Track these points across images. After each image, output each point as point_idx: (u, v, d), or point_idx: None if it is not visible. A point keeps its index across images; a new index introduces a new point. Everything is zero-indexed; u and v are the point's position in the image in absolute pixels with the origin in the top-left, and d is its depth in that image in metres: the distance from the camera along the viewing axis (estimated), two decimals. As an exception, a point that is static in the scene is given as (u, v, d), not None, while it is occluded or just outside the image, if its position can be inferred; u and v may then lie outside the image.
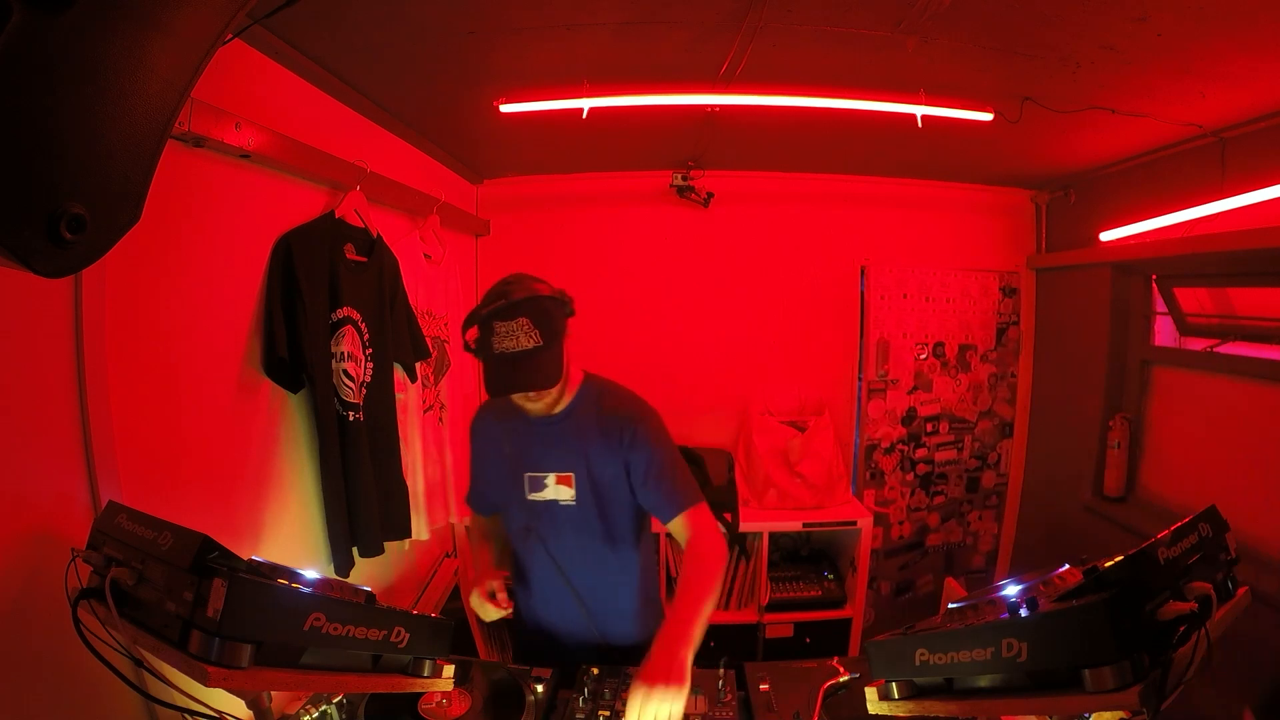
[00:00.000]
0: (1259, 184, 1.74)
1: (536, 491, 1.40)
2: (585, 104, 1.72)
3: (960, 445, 3.05)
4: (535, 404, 1.33)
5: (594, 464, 1.38)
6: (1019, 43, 1.43)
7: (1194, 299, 2.26)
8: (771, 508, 2.57)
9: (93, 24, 0.47)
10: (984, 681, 0.78)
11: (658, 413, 1.44)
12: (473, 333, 1.32)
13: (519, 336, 1.22)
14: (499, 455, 1.44)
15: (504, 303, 1.24)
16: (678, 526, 1.35)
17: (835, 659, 1.33)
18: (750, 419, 2.75)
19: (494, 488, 1.49)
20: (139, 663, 0.74)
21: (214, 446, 1.26)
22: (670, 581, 2.42)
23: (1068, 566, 0.87)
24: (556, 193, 2.82)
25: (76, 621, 0.73)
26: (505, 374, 1.24)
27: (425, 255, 2.04)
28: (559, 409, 1.38)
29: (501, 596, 1.36)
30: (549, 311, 1.26)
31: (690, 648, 1.12)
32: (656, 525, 1.48)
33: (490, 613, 1.36)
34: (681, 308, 2.88)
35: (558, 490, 1.38)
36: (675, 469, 1.39)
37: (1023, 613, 0.74)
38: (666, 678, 1.04)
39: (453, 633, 1.02)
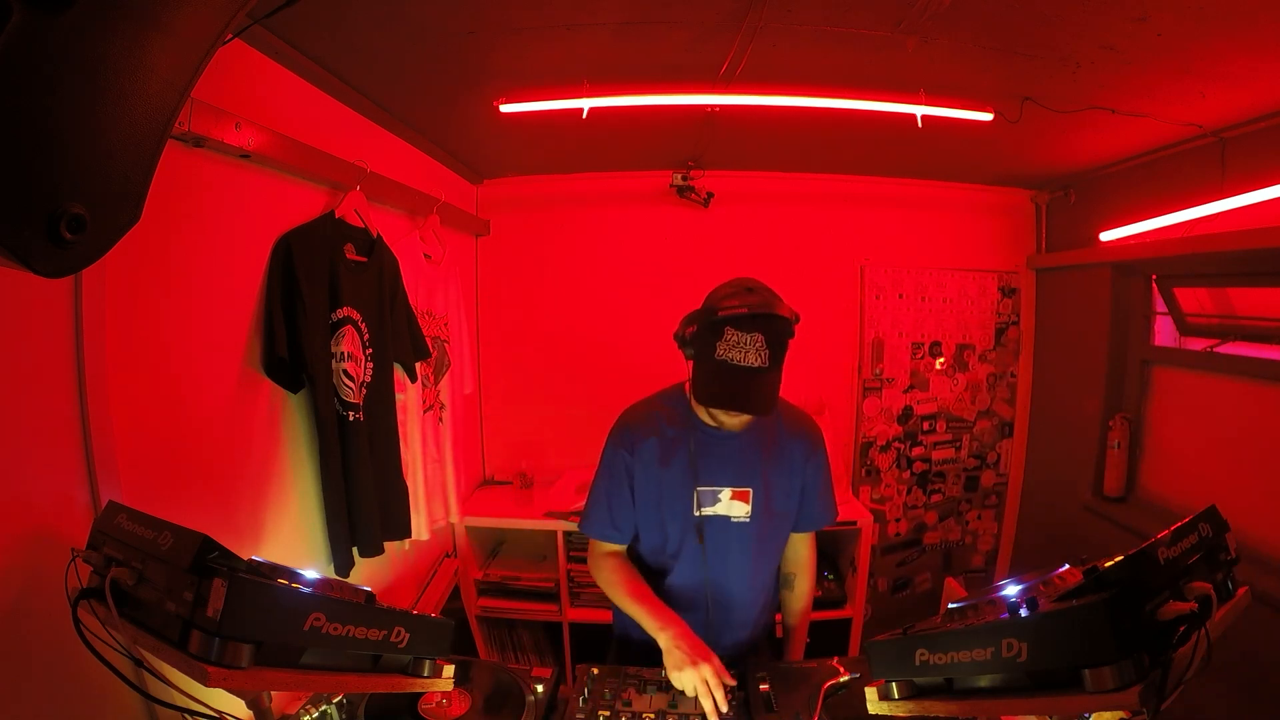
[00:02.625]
0: (1259, 184, 1.74)
1: (707, 506, 1.35)
2: (585, 104, 1.72)
3: (958, 444, 3.05)
4: (735, 420, 1.27)
5: (772, 480, 1.36)
6: (1019, 43, 1.43)
7: (1194, 299, 2.26)
8: (771, 508, 2.57)
9: (93, 24, 0.47)
10: (984, 681, 0.78)
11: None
12: (691, 328, 1.25)
13: (749, 352, 1.15)
14: (664, 467, 1.35)
15: (746, 312, 1.16)
16: (808, 536, 1.51)
17: (835, 659, 1.33)
18: (750, 419, 2.75)
19: (650, 501, 1.37)
20: (139, 663, 0.74)
21: (214, 446, 1.26)
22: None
23: (1068, 566, 0.87)
24: (556, 193, 2.82)
25: (76, 621, 0.73)
26: (724, 386, 1.17)
27: (425, 255, 2.04)
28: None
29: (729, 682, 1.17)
30: (784, 334, 1.19)
31: None
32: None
33: (716, 700, 1.13)
34: (681, 308, 2.86)
35: (731, 506, 1.34)
36: (832, 484, 1.49)
37: (1023, 613, 0.74)
38: None
39: (453, 633, 1.02)
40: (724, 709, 1.13)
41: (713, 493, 1.35)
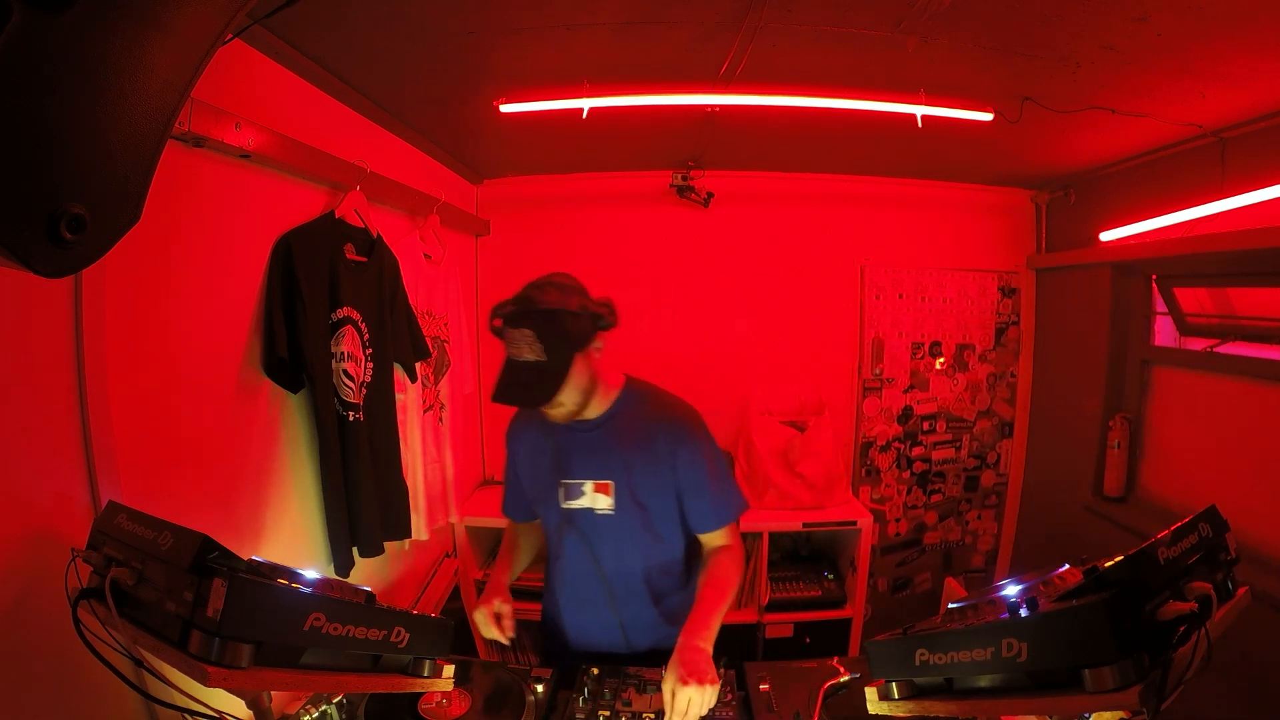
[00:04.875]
0: (1259, 184, 1.74)
1: (572, 499, 1.36)
2: (585, 104, 1.72)
3: (958, 444, 3.05)
4: (553, 411, 1.29)
5: (637, 472, 1.34)
6: (1019, 43, 1.43)
7: (1194, 299, 2.26)
8: (771, 508, 2.57)
9: (93, 24, 0.47)
10: (984, 681, 0.78)
11: (702, 417, 1.40)
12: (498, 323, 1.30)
13: (522, 347, 1.20)
14: (536, 461, 1.41)
15: (512, 309, 1.22)
16: (713, 537, 1.40)
17: (835, 659, 1.33)
18: (750, 419, 2.75)
19: (530, 494, 1.46)
20: (139, 663, 0.74)
21: (214, 446, 1.25)
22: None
23: (1068, 566, 0.87)
24: (556, 193, 2.82)
25: (76, 621, 0.73)
26: (504, 381, 1.23)
27: (425, 255, 2.04)
28: (596, 415, 1.35)
29: (508, 623, 1.34)
30: (561, 326, 1.21)
31: (711, 644, 1.20)
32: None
33: (490, 632, 1.34)
34: (681, 308, 2.88)
35: (594, 498, 1.36)
36: (724, 479, 1.40)
37: (1023, 613, 0.74)
38: (699, 674, 1.11)
39: (453, 633, 1.02)
40: (503, 640, 1.34)
41: (577, 486, 1.36)
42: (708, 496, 1.36)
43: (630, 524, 1.35)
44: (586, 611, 1.43)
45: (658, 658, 1.34)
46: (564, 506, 1.37)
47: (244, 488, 1.34)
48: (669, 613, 1.41)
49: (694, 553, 1.45)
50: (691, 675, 1.10)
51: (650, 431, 1.34)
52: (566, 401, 1.26)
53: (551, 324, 1.20)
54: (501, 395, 1.24)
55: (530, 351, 1.20)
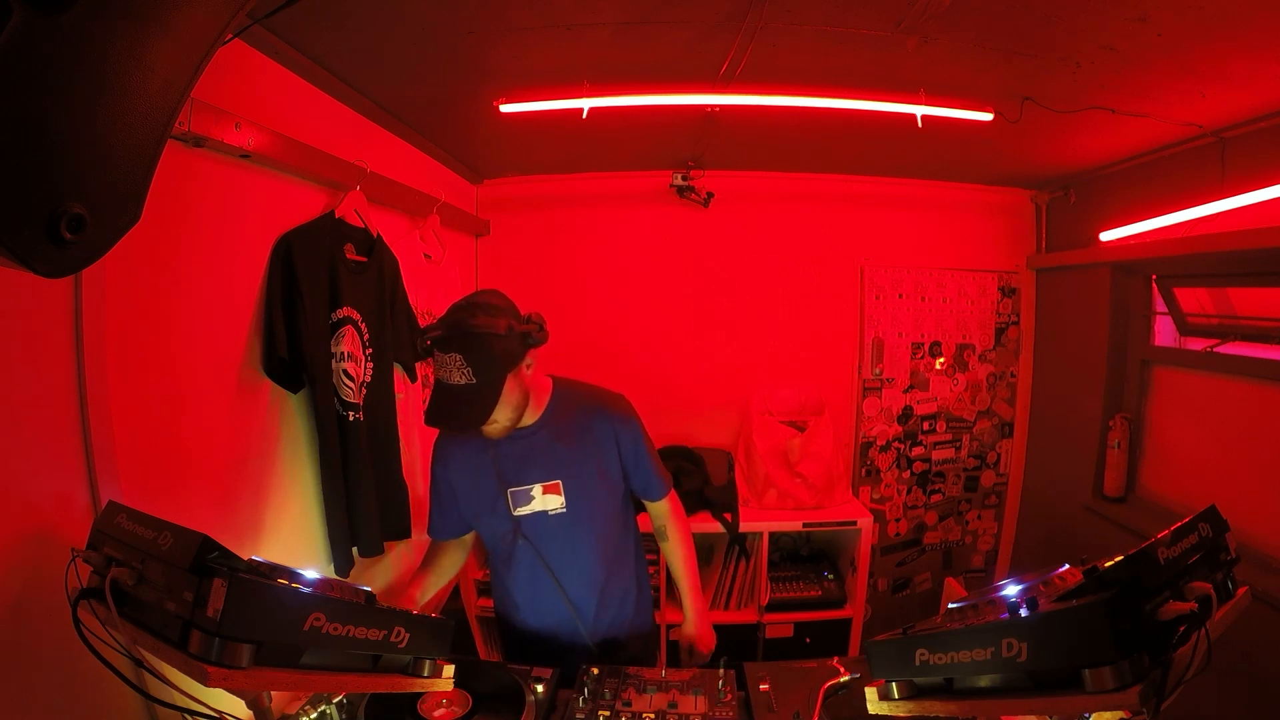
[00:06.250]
0: (1259, 184, 1.73)
1: (522, 505, 1.38)
2: (585, 104, 1.72)
3: (958, 444, 3.05)
4: (489, 429, 1.29)
5: (583, 464, 1.38)
6: (1019, 43, 1.43)
7: (1194, 299, 2.26)
8: (771, 508, 2.57)
9: (93, 24, 0.47)
10: (984, 681, 0.78)
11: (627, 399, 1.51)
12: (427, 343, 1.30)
13: (452, 371, 1.19)
14: (476, 476, 1.40)
15: (440, 334, 1.21)
16: (663, 503, 1.55)
17: (835, 659, 1.33)
18: (750, 419, 2.75)
19: (470, 511, 1.44)
20: (139, 663, 0.75)
21: (214, 446, 1.25)
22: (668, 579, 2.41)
23: (1068, 566, 0.87)
24: (556, 193, 2.82)
25: (76, 621, 0.73)
26: (436, 404, 1.23)
27: (425, 255, 2.04)
28: (531, 421, 1.37)
29: None
30: (490, 349, 1.20)
31: (706, 610, 1.56)
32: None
33: None
34: (681, 308, 2.88)
35: (545, 500, 1.38)
36: (656, 452, 1.53)
37: (1023, 613, 0.74)
38: (710, 641, 1.52)
39: (453, 633, 1.02)
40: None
41: (524, 491, 1.38)
42: (651, 467, 1.49)
43: (582, 518, 1.39)
44: (545, 611, 1.44)
45: (616, 645, 1.47)
46: (515, 514, 1.38)
47: (244, 488, 1.34)
48: (622, 597, 1.50)
49: (636, 532, 1.57)
50: (710, 643, 1.51)
51: (589, 423, 1.41)
52: (501, 419, 1.27)
53: (480, 347, 1.19)
54: (434, 419, 1.23)
55: (460, 375, 1.19)
